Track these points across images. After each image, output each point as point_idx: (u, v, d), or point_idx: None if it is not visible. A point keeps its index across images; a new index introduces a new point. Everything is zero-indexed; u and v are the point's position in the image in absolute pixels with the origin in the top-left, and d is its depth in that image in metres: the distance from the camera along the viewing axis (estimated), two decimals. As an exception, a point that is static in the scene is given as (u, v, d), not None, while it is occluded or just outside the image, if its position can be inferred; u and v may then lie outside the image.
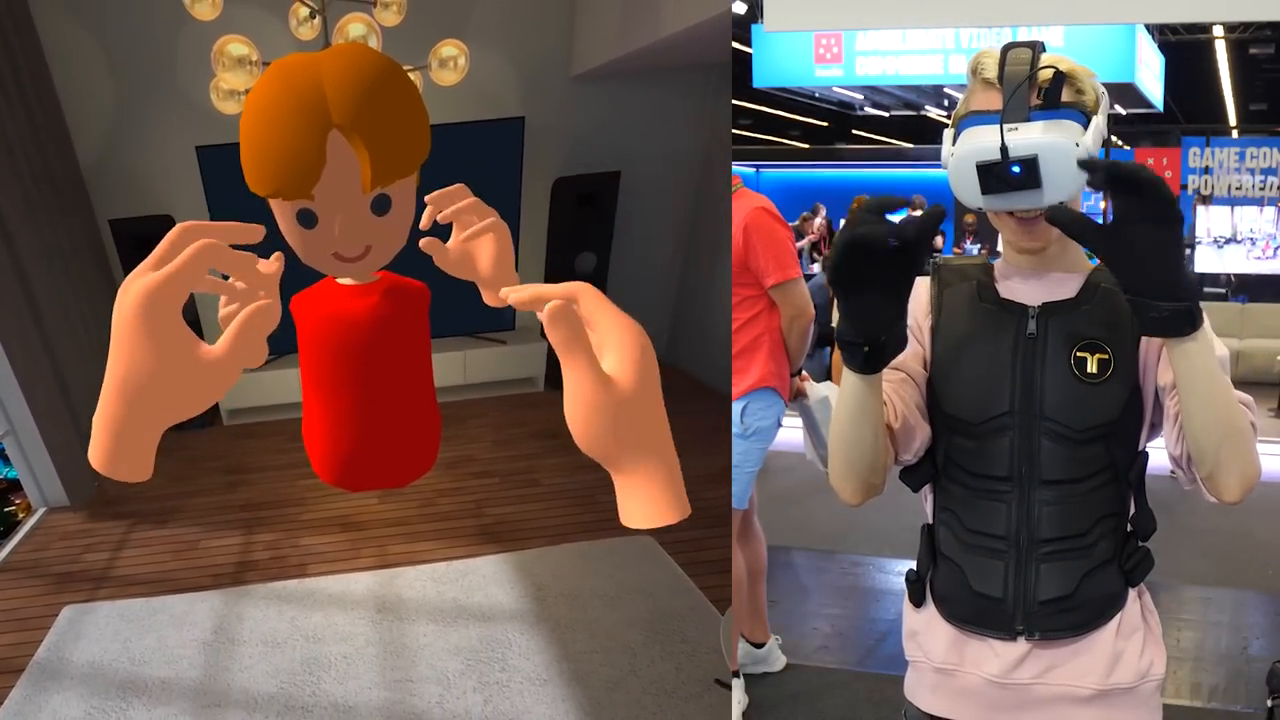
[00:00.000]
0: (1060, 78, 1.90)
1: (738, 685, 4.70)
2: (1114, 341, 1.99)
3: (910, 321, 2.14)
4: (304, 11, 4.50)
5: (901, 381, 2.10)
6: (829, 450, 2.05)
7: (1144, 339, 2.00)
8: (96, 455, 1.22)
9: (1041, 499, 2.04)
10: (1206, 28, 15.35)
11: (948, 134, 1.99)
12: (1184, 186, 15.95)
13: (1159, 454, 2.08)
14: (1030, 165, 1.86)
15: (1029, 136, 1.85)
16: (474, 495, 7.04)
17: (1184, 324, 1.74)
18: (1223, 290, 16.52)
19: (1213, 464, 1.84)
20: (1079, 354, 2.01)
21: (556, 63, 7.52)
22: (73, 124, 6.84)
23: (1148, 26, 13.30)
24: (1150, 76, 14.43)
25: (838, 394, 1.98)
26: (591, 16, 7.11)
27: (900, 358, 2.03)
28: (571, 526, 6.56)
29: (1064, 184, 1.86)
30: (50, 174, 6.52)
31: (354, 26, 4.26)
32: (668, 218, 8.03)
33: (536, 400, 8.77)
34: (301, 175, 1.74)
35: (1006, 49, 1.93)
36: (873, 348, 1.85)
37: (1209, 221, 15.44)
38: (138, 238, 6.82)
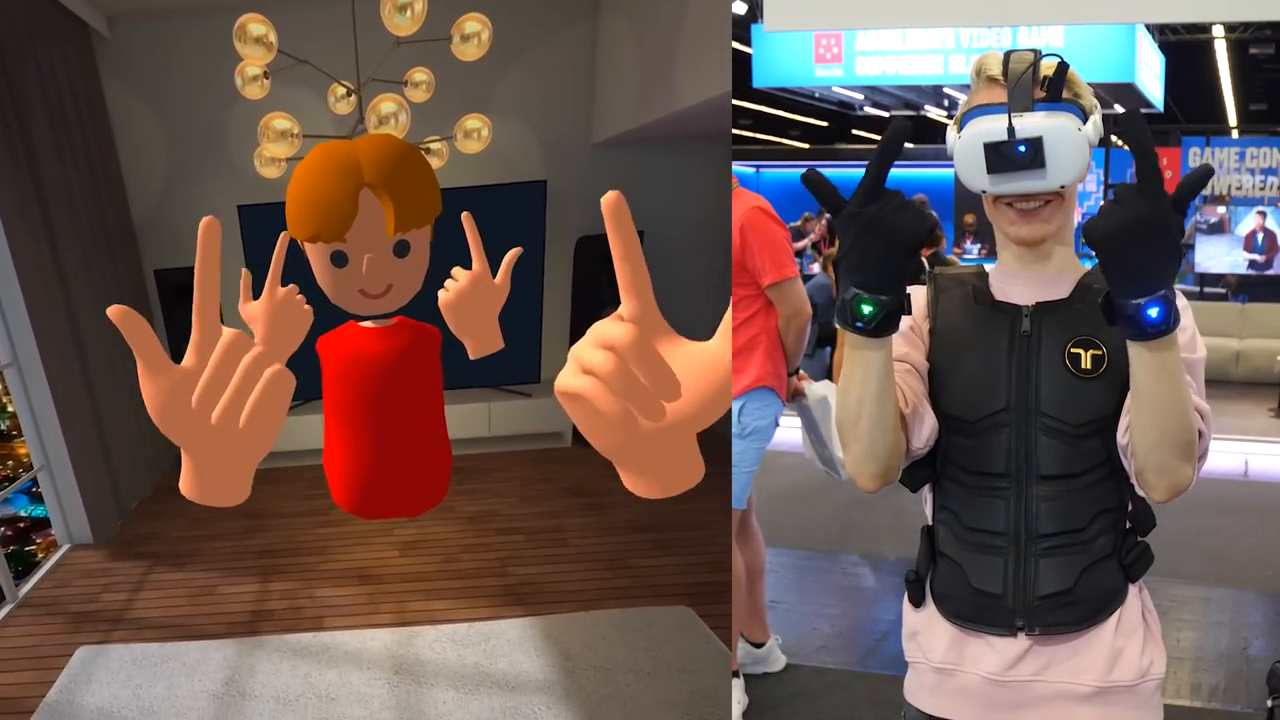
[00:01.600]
0: (1064, 68, 1.96)
1: (738, 685, 4.69)
2: (1107, 338, 2.00)
3: (911, 322, 2.16)
4: (341, 91, 5.00)
5: (907, 372, 2.11)
6: (845, 437, 2.01)
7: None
8: (184, 486, 1.39)
9: (1039, 494, 2.05)
10: (1206, 28, 15.34)
11: (952, 128, 2.03)
12: (1181, 181, 15.93)
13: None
14: (1036, 146, 1.92)
15: (1034, 120, 1.92)
16: (498, 552, 6.74)
17: (1166, 327, 1.72)
18: (1223, 290, 16.52)
19: (1143, 465, 1.88)
20: (1073, 350, 2.02)
21: (577, 131, 7.79)
22: (130, 184, 7.52)
23: (1148, 26, 13.29)
24: (1150, 76, 14.43)
25: (853, 378, 1.93)
26: (609, 91, 7.40)
27: (903, 350, 2.08)
28: (603, 591, 6.16)
29: (1068, 166, 1.93)
30: (106, 228, 7.10)
31: (385, 105, 4.64)
32: (695, 278, 8.00)
33: (563, 456, 8.40)
34: (338, 221, 2.28)
35: (1008, 54, 2.00)
36: (893, 303, 1.80)
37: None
38: (178, 286, 7.22)
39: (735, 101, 21.55)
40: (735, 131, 24.91)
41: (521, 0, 7.12)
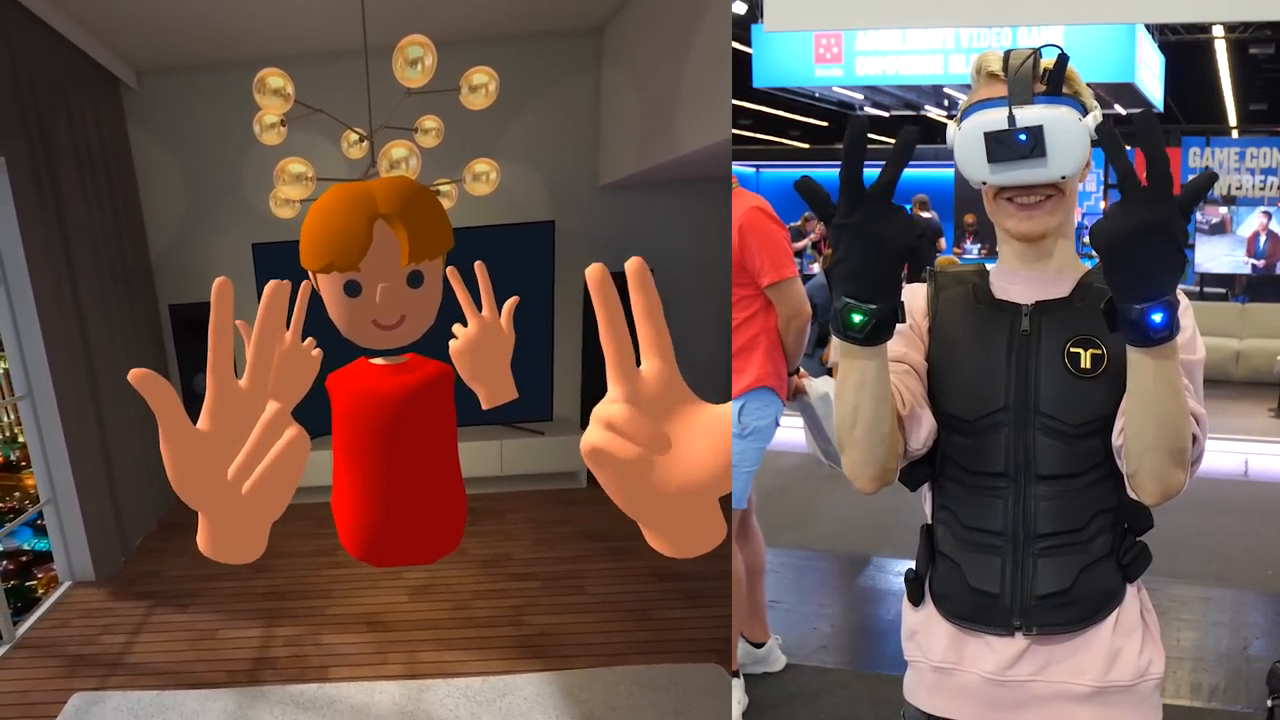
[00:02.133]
0: (1064, 59, 1.98)
1: (738, 685, 4.69)
2: (1107, 338, 2.00)
3: (910, 321, 2.16)
4: (354, 137, 5.30)
5: (905, 373, 2.11)
6: (842, 441, 2.00)
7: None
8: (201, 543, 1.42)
9: (1038, 494, 2.05)
10: (1206, 28, 15.35)
11: (952, 125, 2.03)
12: (1184, 186, 15.94)
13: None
14: (1037, 135, 1.93)
15: (1034, 110, 1.94)
16: (513, 600, 6.41)
17: (1170, 333, 1.70)
18: (1223, 290, 16.52)
19: (1136, 468, 1.87)
20: (1072, 349, 2.02)
21: (583, 174, 7.95)
22: (149, 223, 7.80)
23: (1148, 26, 13.29)
24: (1150, 76, 14.43)
25: (848, 386, 1.91)
26: (613, 137, 7.54)
27: (902, 351, 2.09)
28: (625, 645, 5.77)
29: (1069, 156, 1.93)
30: (125, 265, 7.32)
31: (397, 150, 4.90)
32: (705, 315, 8.04)
33: (578, 497, 8.14)
34: (353, 249, 2.30)
35: (1008, 52, 2.02)
36: (884, 311, 1.78)
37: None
38: (191, 320, 7.45)
39: (735, 101, 21.55)
40: (735, 132, 24.90)
41: (526, 53, 7.36)
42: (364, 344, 2.51)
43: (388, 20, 5.44)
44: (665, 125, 6.20)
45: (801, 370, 4.71)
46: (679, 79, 5.92)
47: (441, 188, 5.40)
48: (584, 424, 8.23)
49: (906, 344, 2.14)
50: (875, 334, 1.79)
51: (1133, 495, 1.93)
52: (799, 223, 16.28)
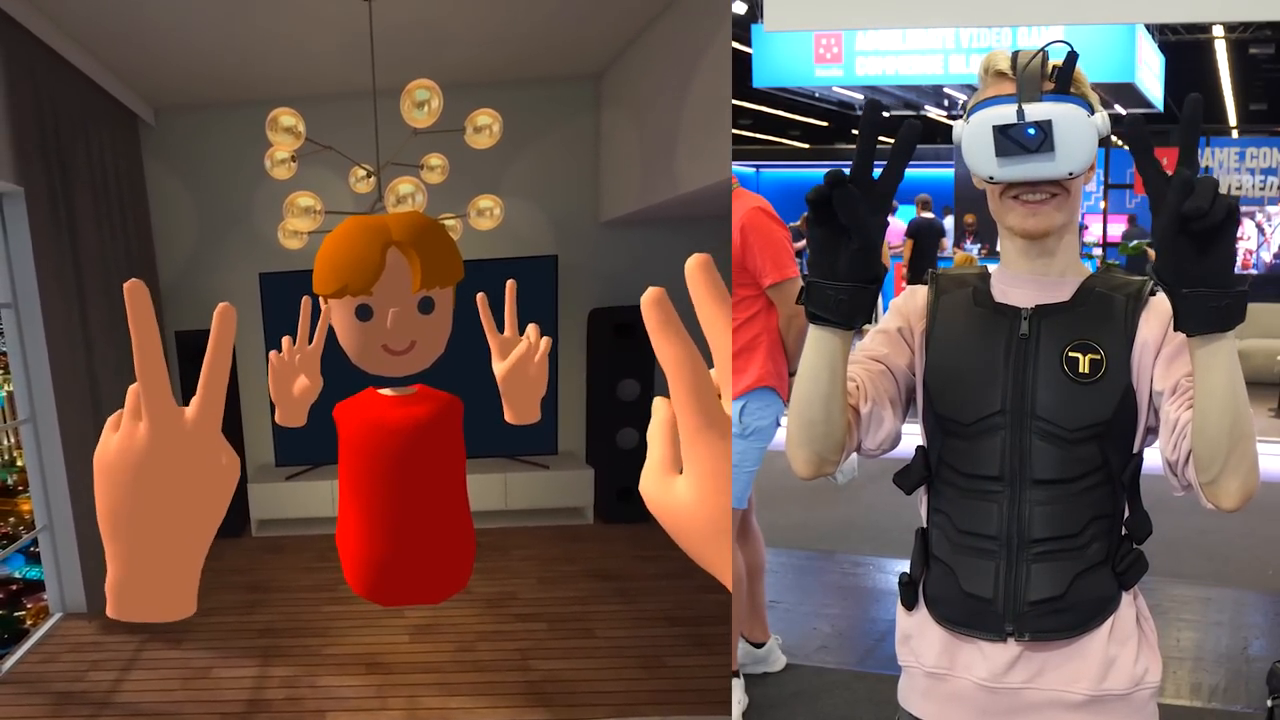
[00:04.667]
0: (1074, 56, 1.96)
1: (738, 685, 4.70)
2: (1107, 343, 1.99)
3: (902, 323, 2.17)
4: (361, 173, 5.54)
5: (881, 373, 2.12)
6: (790, 418, 2.04)
7: (1138, 342, 2.00)
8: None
9: (1033, 499, 2.03)
10: (1207, 28, 15.36)
11: (959, 122, 2.03)
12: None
13: (1155, 454, 2.08)
14: (1045, 130, 1.91)
15: (1043, 106, 1.92)
16: (518, 642, 6.03)
17: (1239, 312, 1.73)
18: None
19: (1219, 470, 1.84)
20: (1071, 354, 2.01)
21: (585, 211, 8.06)
22: (160, 253, 7.96)
23: (1148, 26, 13.30)
24: (1150, 76, 14.44)
25: (807, 361, 1.97)
26: (613, 176, 7.65)
27: (883, 352, 2.11)
28: (637, 695, 5.45)
29: (1078, 152, 1.92)
30: None
31: (404, 186, 5.10)
32: (707, 349, 8.07)
33: (585, 534, 7.89)
34: (366, 273, 2.35)
35: (1015, 52, 2.01)
36: (854, 295, 1.84)
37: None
38: (196, 348, 7.35)
39: (735, 101, 21.56)
40: (735, 131, 24.93)
41: (530, 97, 7.53)
42: (374, 370, 2.53)
43: (396, 64, 5.63)
44: (664, 165, 6.31)
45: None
46: (676, 122, 6.05)
47: (447, 222, 5.69)
48: (589, 458, 8.17)
49: (890, 346, 2.15)
50: (842, 315, 1.86)
51: (1208, 505, 1.90)
52: (798, 222, 16.29)
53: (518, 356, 2.62)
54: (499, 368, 2.64)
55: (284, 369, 2.69)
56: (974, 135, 1.97)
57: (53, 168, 5.98)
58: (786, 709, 4.80)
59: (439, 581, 2.70)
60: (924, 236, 15.15)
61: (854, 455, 2.14)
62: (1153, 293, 2.02)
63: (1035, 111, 1.92)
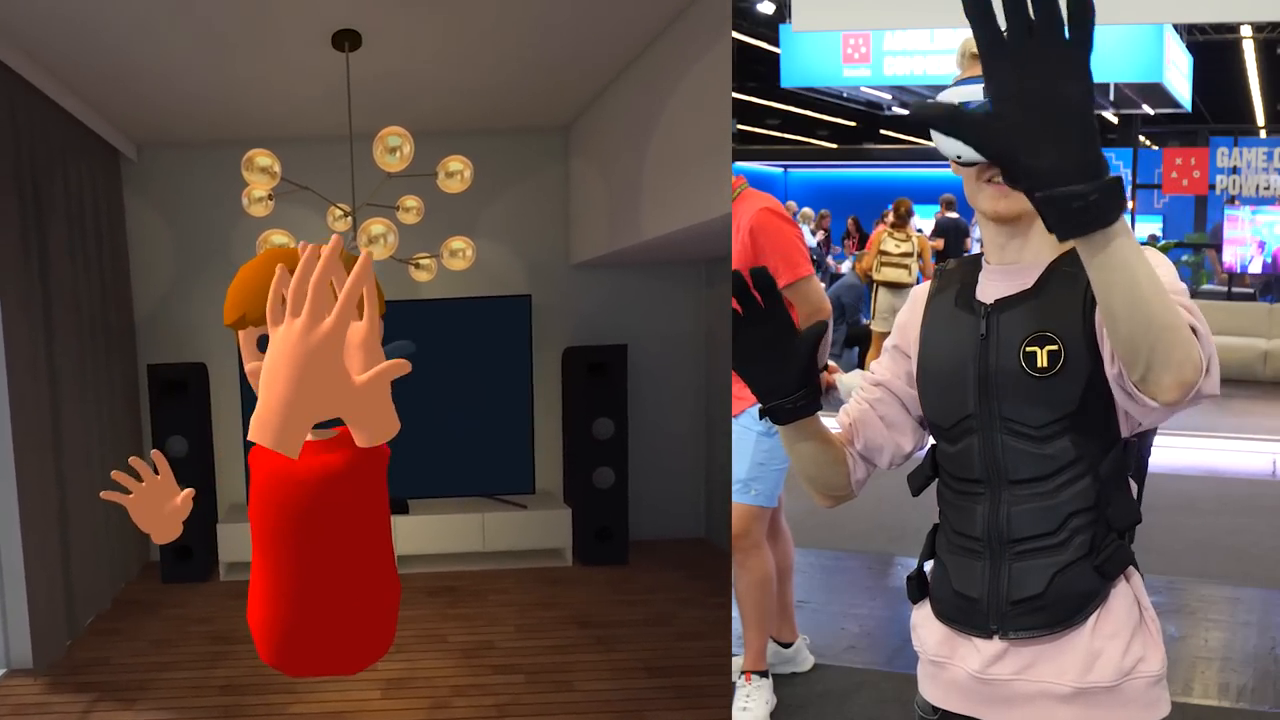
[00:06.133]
0: None
1: (766, 685, 4.71)
2: (1065, 331, 1.95)
3: (900, 340, 2.22)
4: (339, 212, 5.82)
5: (879, 399, 2.21)
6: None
7: (1100, 319, 1.87)
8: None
9: (1009, 499, 2.04)
10: (1234, 28, 15.32)
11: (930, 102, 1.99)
12: (1212, 186, 15.92)
13: (1154, 453, 2.10)
14: None
15: None
16: (495, 696, 5.66)
17: (1112, 207, 1.54)
18: (1250, 290, 16.48)
19: (1145, 364, 1.67)
20: (1028, 348, 1.97)
21: (557, 253, 8.28)
22: (136, 286, 8.01)
23: (1175, 26, 13.28)
24: (1178, 76, 14.41)
25: (788, 448, 2.21)
26: (582, 220, 7.90)
27: (885, 376, 2.22)
28: None
29: None
30: (108, 327, 7.31)
31: (375, 227, 5.40)
32: (681, 389, 8.28)
33: (564, 576, 7.61)
34: (263, 302, 1.90)
35: None
36: (776, 407, 2.09)
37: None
38: (168, 381, 7.56)
39: (763, 101, 21.58)
40: (763, 131, 24.95)
41: (502, 146, 7.78)
42: None
43: (375, 110, 5.91)
44: (630, 212, 6.48)
45: (831, 365, 4.72)
46: (639, 171, 6.24)
47: (421, 261, 6.06)
48: (567, 497, 8.22)
49: (891, 365, 2.22)
50: (790, 418, 2.11)
51: (1151, 404, 1.73)
52: (811, 225, 16.39)
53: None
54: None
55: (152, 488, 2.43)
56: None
57: (26, 197, 5.87)
58: (815, 709, 4.81)
59: (350, 650, 2.36)
60: (951, 235, 15.17)
61: None
62: None
63: None
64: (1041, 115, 1.52)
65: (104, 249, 7.31)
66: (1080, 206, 1.52)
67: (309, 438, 2.27)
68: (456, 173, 5.48)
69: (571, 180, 8.09)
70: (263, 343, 2.22)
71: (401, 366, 1.60)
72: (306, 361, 1.49)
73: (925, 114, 1.67)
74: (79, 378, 6.65)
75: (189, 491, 2.49)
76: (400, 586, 2.59)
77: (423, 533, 7.62)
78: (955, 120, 1.61)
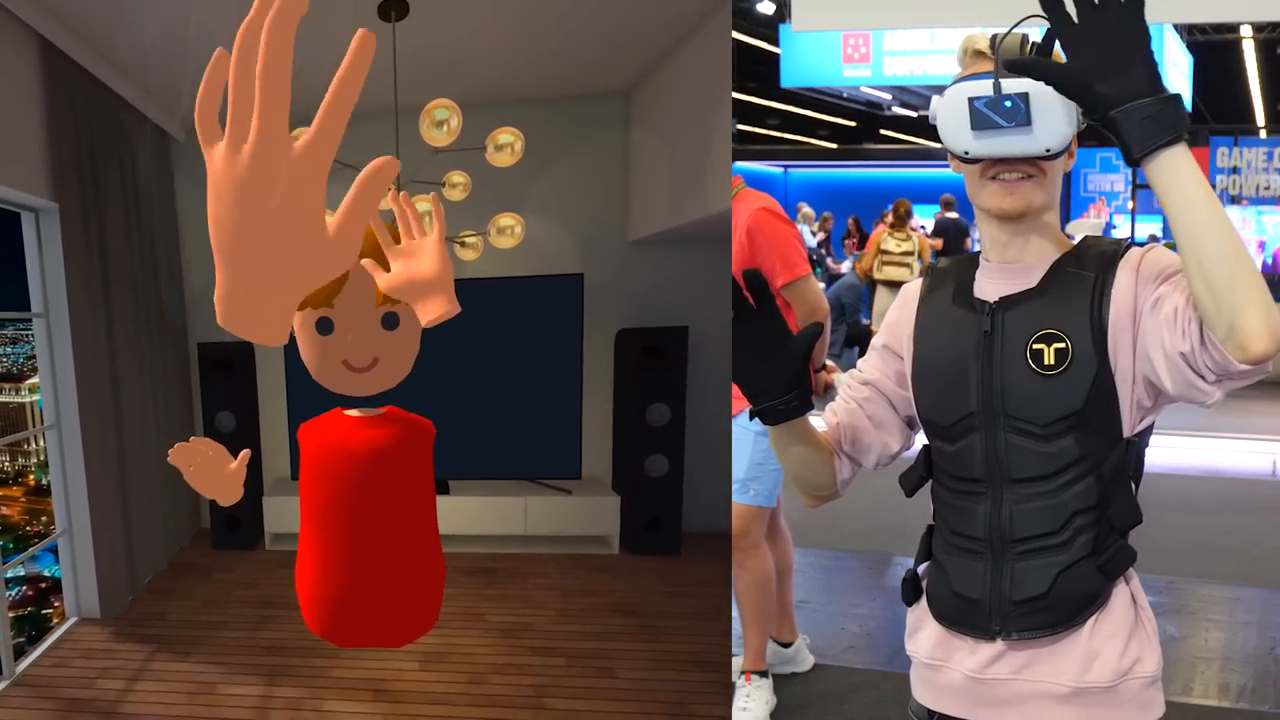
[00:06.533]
0: (1052, 36, 1.92)
1: (766, 685, 4.71)
2: (1072, 329, 1.95)
3: (889, 339, 2.22)
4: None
5: (867, 399, 2.22)
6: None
7: (1111, 319, 1.93)
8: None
9: (1012, 498, 2.03)
10: (1234, 28, 15.32)
11: (935, 97, 2.01)
12: (1212, 186, 15.94)
13: (1154, 453, 2.08)
14: (1022, 103, 1.87)
15: (1021, 80, 1.88)
16: (534, 677, 5.65)
17: (1177, 117, 1.71)
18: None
19: (1231, 307, 1.69)
20: (1035, 346, 1.97)
21: (613, 229, 7.96)
22: (187, 267, 8.07)
23: (1176, 26, 13.27)
24: (1178, 76, 14.41)
25: (775, 447, 2.23)
26: (643, 194, 7.59)
27: (874, 375, 2.22)
28: None
29: (1055, 129, 1.89)
30: (160, 306, 7.59)
31: (420, 204, 5.09)
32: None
33: (610, 565, 7.41)
34: (327, 286, 2.02)
35: (994, 34, 2.02)
36: (767, 408, 2.12)
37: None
38: (217, 359, 7.70)
39: (762, 101, 21.58)
40: (762, 131, 24.94)
41: (556, 114, 7.51)
42: (334, 388, 2.35)
43: (422, 82, 5.67)
44: (695, 186, 6.24)
45: (830, 364, 4.72)
46: (708, 141, 6.00)
47: (467, 239, 5.87)
48: (615, 484, 8.01)
49: (880, 364, 2.22)
50: (780, 418, 2.14)
51: (1238, 365, 1.73)
52: (814, 226, 16.37)
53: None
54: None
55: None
56: (949, 109, 1.94)
57: (86, 184, 6.14)
58: (815, 709, 4.81)
59: (398, 622, 2.56)
60: (950, 235, 15.17)
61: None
62: (1122, 254, 1.96)
63: (1013, 85, 1.88)
64: (1107, 50, 1.72)
65: (157, 231, 7.51)
66: (1149, 116, 1.70)
67: (353, 413, 2.47)
68: (506, 145, 5.27)
69: (631, 150, 7.77)
70: (322, 324, 2.27)
71: (386, 171, 1.29)
72: (238, 200, 1.22)
73: (1017, 63, 1.82)
74: (137, 356, 6.97)
75: (245, 453, 2.51)
76: (445, 564, 2.73)
77: (462, 513, 7.46)
78: (1038, 64, 1.81)
